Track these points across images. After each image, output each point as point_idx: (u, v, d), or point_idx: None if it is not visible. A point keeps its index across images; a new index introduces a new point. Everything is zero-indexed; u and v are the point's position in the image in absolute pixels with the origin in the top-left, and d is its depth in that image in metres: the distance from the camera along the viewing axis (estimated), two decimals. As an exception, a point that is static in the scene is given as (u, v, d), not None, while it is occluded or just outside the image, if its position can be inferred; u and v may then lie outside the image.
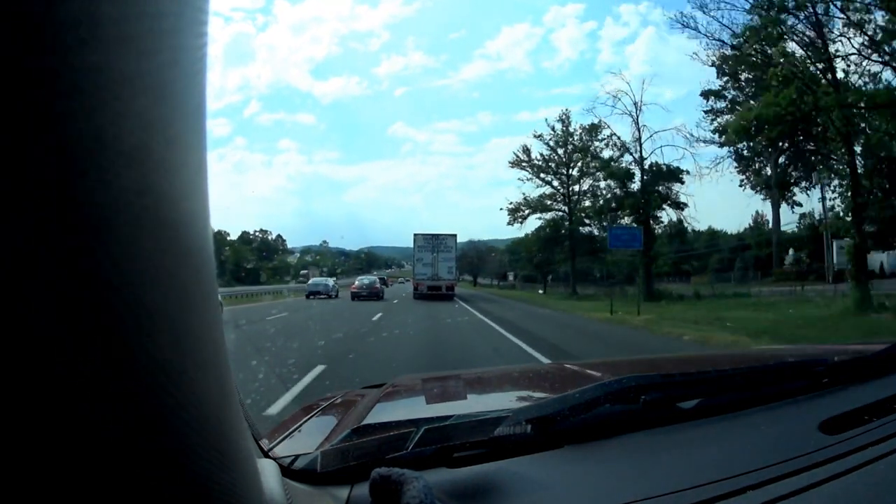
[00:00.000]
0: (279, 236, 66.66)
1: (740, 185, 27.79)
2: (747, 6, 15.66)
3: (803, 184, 26.60)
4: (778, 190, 27.74)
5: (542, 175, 32.92)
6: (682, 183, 25.26)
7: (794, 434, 0.72)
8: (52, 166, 0.19)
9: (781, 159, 26.82)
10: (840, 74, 14.28)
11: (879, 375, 0.93)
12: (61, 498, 0.20)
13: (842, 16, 13.51)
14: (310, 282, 19.17)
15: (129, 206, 0.22)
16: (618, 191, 26.96)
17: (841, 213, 15.60)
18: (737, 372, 0.85)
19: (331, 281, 19.90)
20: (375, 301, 18.94)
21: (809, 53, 14.21)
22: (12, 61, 0.18)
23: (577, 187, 32.24)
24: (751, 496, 0.57)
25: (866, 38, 13.33)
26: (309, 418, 0.98)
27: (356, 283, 22.21)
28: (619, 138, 27.57)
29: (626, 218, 25.56)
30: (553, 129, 32.16)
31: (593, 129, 29.55)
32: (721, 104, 24.88)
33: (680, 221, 26.96)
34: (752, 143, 19.34)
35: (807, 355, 1.18)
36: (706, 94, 24.95)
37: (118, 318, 0.21)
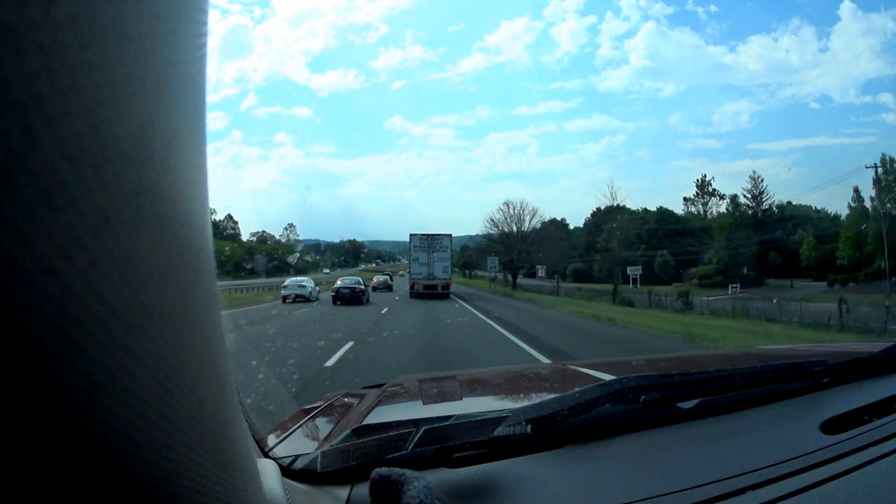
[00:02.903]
0: (229, 217, 51.25)
1: None
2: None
3: None
4: None
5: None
6: None
7: (794, 434, 0.73)
8: (51, 165, 0.19)
9: None
10: None
11: (879, 375, 0.93)
12: (60, 497, 0.20)
13: None
14: (338, 282, 21.10)
15: (128, 205, 0.22)
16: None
17: None
18: (737, 372, 0.85)
19: (352, 280, 22.12)
20: (389, 292, 27.69)
21: None
22: (11, 61, 0.18)
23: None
24: (751, 496, 0.57)
25: None
26: (309, 418, 0.97)
27: (374, 280, 30.03)
28: None
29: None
30: None
31: None
32: None
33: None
34: None
35: (807, 355, 1.18)
36: None
37: (117, 317, 0.21)
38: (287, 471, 0.62)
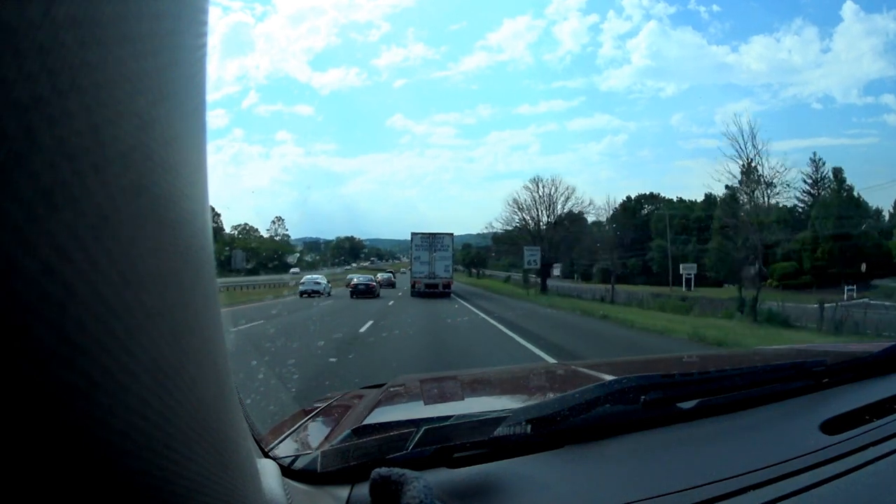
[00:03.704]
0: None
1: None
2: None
3: None
4: None
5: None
6: None
7: (794, 434, 0.73)
8: (51, 165, 0.19)
9: None
10: None
11: (879, 375, 0.93)
12: (61, 497, 0.20)
13: None
14: (354, 279, 24.18)
15: (129, 206, 0.22)
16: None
17: None
18: (737, 372, 0.85)
19: (365, 278, 25.04)
20: (392, 288, 29.11)
21: None
22: (12, 61, 0.18)
23: None
24: (751, 496, 0.57)
25: None
26: (309, 419, 0.97)
27: (379, 276, 30.58)
28: None
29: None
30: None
31: None
32: None
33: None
34: None
35: (807, 355, 1.18)
36: None
37: (117, 317, 0.21)
38: (287, 471, 0.62)
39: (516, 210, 33.25)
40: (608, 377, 0.84)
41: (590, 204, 34.18)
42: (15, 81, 0.18)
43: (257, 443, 0.62)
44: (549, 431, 0.67)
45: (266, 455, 0.63)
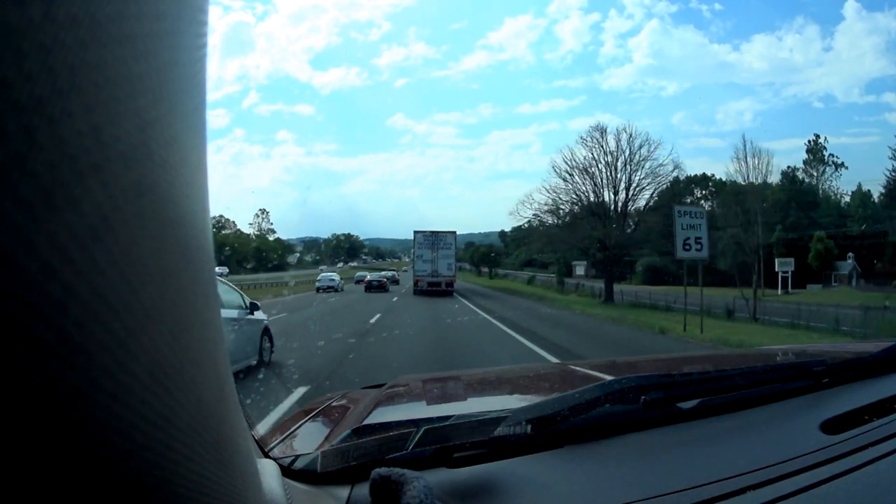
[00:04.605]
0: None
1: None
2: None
3: None
4: None
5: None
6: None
7: (794, 434, 0.73)
8: (51, 166, 0.19)
9: None
10: None
11: (879, 375, 0.93)
12: (61, 497, 0.20)
13: None
14: (367, 276, 29.01)
15: (129, 206, 0.22)
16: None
17: None
18: (737, 372, 0.85)
19: (377, 275, 30.02)
20: (396, 285, 32.50)
21: None
22: (12, 61, 0.18)
23: None
24: (751, 496, 0.57)
25: None
26: (309, 419, 0.98)
27: (385, 274, 33.97)
28: None
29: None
30: None
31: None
32: None
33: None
34: None
35: (807, 355, 1.18)
36: None
37: (117, 316, 0.21)
38: (287, 471, 0.62)
39: (568, 176, 22.00)
40: (608, 377, 0.84)
41: (675, 169, 22.30)
42: (15, 81, 0.18)
43: (257, 443, 0.62)
44: (549, 431, 0.67)
45: (266, 455, 0.63)
